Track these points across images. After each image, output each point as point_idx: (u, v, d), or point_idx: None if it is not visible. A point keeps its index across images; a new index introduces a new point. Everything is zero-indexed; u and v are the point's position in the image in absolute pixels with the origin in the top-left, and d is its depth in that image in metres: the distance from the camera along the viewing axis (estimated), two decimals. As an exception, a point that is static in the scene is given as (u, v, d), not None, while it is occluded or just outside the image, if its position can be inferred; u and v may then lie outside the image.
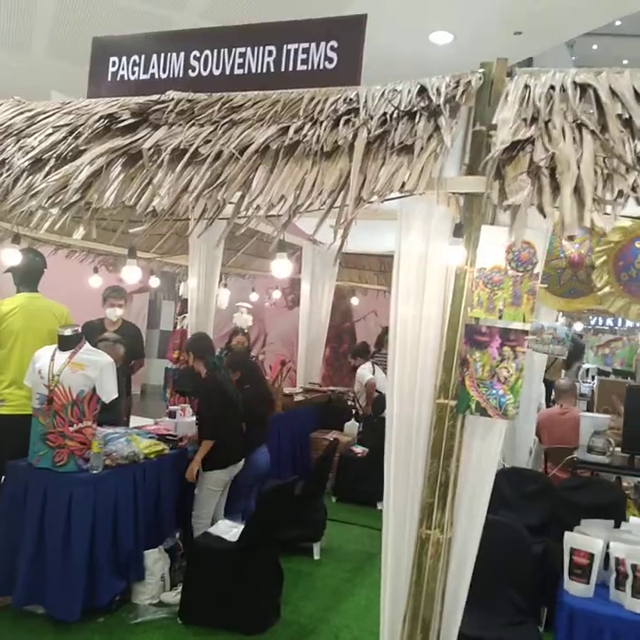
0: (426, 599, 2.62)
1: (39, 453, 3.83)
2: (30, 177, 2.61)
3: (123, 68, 3.22)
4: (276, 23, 2.96)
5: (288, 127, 2.41)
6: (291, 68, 2.90)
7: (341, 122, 2.35)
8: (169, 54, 3.12)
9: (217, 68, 3.03)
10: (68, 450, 3.82)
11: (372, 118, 2.31)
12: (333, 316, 15.31)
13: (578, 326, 7.50)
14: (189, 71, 3.08)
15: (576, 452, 4.96)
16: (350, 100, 2.51)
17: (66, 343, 3.91)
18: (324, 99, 2.58)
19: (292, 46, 2.90)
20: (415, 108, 2.31)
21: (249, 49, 2.98)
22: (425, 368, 2.66)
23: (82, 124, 2.77)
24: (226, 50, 3.02)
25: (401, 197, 2.15)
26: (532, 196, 1.92)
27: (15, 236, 3.52)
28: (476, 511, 2.61)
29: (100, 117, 2.65)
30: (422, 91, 2.42)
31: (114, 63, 3.24)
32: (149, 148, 2.46)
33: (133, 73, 3.20)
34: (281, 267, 2.95)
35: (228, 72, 3.01)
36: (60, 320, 4.41)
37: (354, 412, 7.84)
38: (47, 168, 2.61)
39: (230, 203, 2.29)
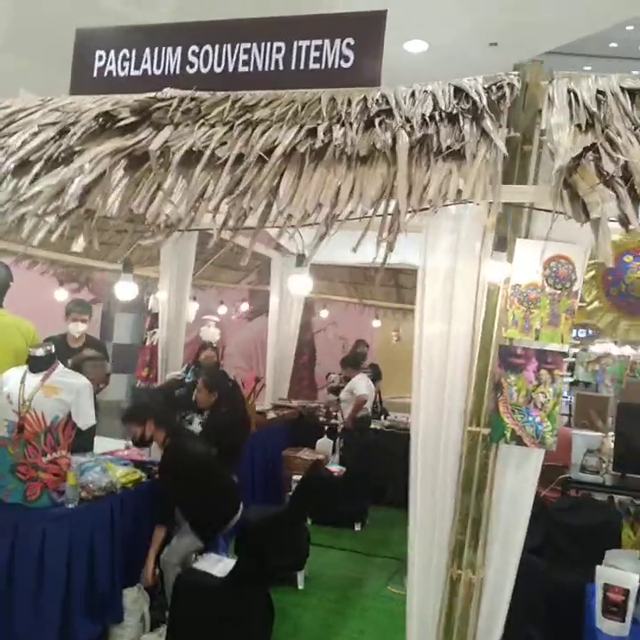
0: (457, 645, 2.40)
1: (8, 487, 3.45)
2: (16, 180, 2.30)
3: (111, 63, 2.94)
4: (285, 18, 2.73)
5: (314, 129, 2.19)
6: (302, 67, 2.68)
7: (375, 124, 2.13)
8: (164, 49, 2.85)
9: (219, 64, 2.78)
10: (41, 483, 3.45)
11: (408, 121, 2.10)
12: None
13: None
14: (187, 67, 2.82)
15: (568, 471, 4.85)
16: (378, 100, 2.30)
17: (37, 364, 3.56)
18: (347, 99, 2.37)
19: (304, 43, 2.68)
20: (455, 111, 2.11)
21: (254, 45, 2.74)
22: (453, 392, 2.47)
23: (72, 123, 2.47)
24: (229, 45, 2.77)
25: (449, 205, 1.94)
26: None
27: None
28: (511, 549, 2.42)
29: (97, 115, 2.36)
30: (458, 92, 2.23)
31: (100, 57, 2.95)
32: (157, 150, 2.18)
33: (123, 68, 2.92)
34: (298, 283, 2.71)
35: (231, 69, 2.76)
36: (28, 338, 4.04)
37: (326, 428, 7.59)
38: (34, 171, 2.31)
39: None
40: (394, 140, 2.02)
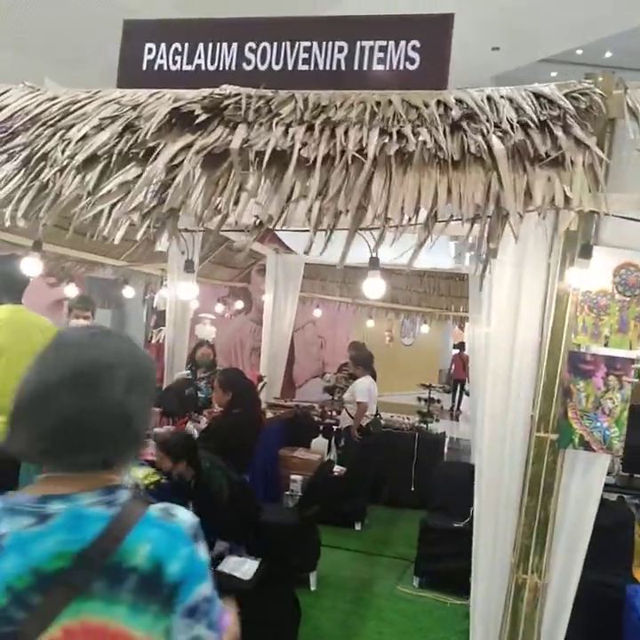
0: (523, 650, 2.41)
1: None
2: (84, 175, 2.22)
3: (161, 57, 2.86)
4: (347, 17, 2.70)
5: (399, 131, 2.16)
6: (365, 67, 2.64)
7: (463, 128, 2.12)
8: (219, 44, 2.79)
9: (277, 62, 2.73)
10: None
11: (497, 126, 2.09)
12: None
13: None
14: (244, 64, 2.76)
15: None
16: (458, 104, 2.28)
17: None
18: (422, 102, 2.34)
19: (367, 43, 2.65)
20: (543, 118, 2.11)
21: (315, 43, 2.69)
22: (519, 398, 2.48)
23: (136, 118, 2.40)
24: (288, 43, 2.72)
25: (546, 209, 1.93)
26: None
27: (36, 243, 3.05)
28: (575, 554, 2.44)
29: (172, 110, 2.29)
30: (539, 99, 2.23)
31: (150, 50, 2.87)
32: (238, 149, 2.13)
33: (174, 62, 2.84)
34: (373, 286, 2.67)
35: (290, 67, 2.71)
36: (47, 337, 3.91)
37: (321, 427, 7.57)
38: (100, 166, 2.23)
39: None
40: (487, 144, 2.01)
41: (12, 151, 2.40)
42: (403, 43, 2.61)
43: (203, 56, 2.81)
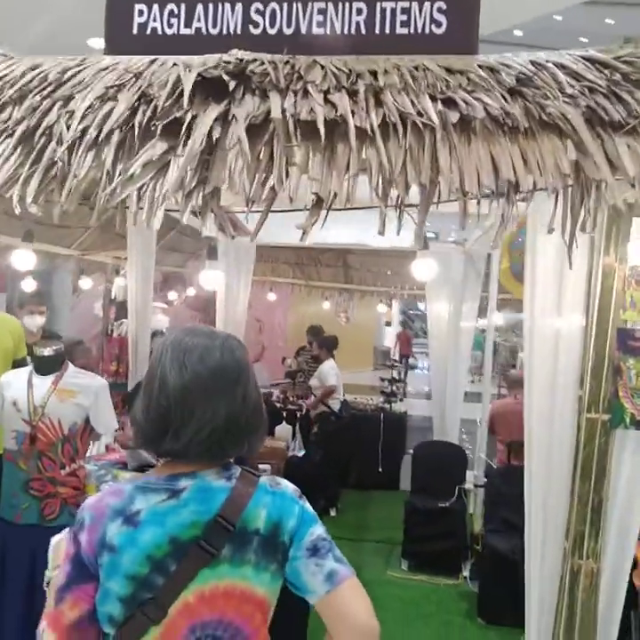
0: (581, 637, 2.34)
1: (21, 506, 3.03)
2: (96, 152, 1.94)
3: (154, 20, 2.56)
4: (364, -24, 2.48)
5: (450, 98, 1.98)
6: (387, 31, 2.44)
7: (523, 94, 1.96)
8: (221, 5, 2.51)
9: (288, 25, 2.49)
10: (60, 498, 3.06)
11: (561, 91, 1.95)
12: (208, 310, 14.63)
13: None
14: (250, 27, 2.50)
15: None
16: (504, 66, 2.12)
17: (46, 365, 3.13)
18: (465, 67, 2.17)
19: (388, 5, 2.44)
20: (605, 83, 1.98)
21: (331, 4, 2.47)
22: (566, 378, 2.38)
23: (149, 86, 2.12)
24: (299, 4, 2.48)
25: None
26: None
27: (27, 233, 2.68)
28: (627, 538, 2.36)
29: (197, 78, 2.02)
30: (594, 63, 2.10)
31: (140, 12, 2.56)
32: (280, 119, 1.90)
33: (170, 26, 2.55)
34: (423, 267, 2.49)
35: (303, 30, 2.48)
36: (15, 337, 3.56)
37: (284, 414, 7.38)
38: (116, 140, 1.95)
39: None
40: (557, 110, 1.87)
41: (5, 126, 2.08)
42: (427, 4, 2.42)
43: (203, 18, 2.53)
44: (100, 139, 1.95)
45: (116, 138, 1.97)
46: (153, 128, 1.95)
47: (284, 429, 7.30)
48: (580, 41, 15.43)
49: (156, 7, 2.55)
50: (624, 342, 2.32)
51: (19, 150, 2.02)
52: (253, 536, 1.31)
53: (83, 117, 2.02)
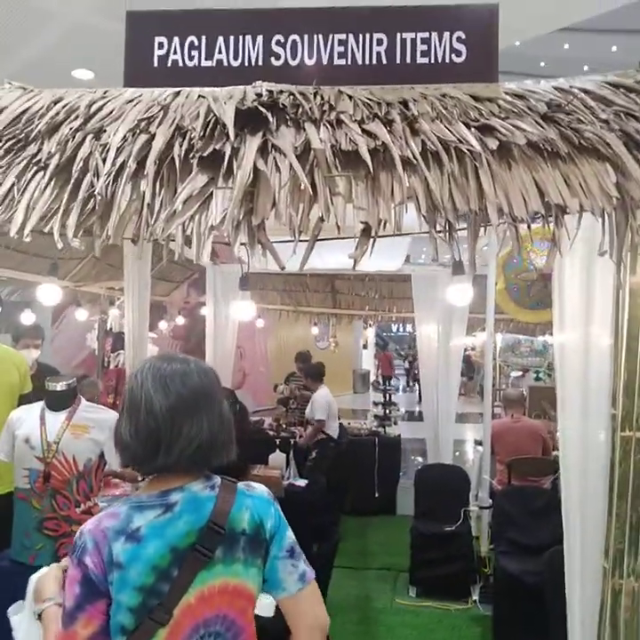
0: (625, 658, 2.33)
1: (35, 547, 2.93)
2: (134, 184, 1.93)
3: (175, 52, 2.57)
4: (383, 8, 2.53)
5: (486, 125, 2.01)
6: (408, 61, 2.49)
7: (556, 120, 2.00)
8: (241, 37, 2.54)
9: (310, 56, 2.51)
10: (76, 537, 2.97)
11: (595, 116, 1.99)
12: (189, 339, 14.48)
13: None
14: (272, 59, 2.52)
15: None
16: (531, 93, 2.17)
17: (59, 401, 3.05)
18: (491, 94, 2.21)
19: (408, 35, 2.49)
20: (634, 107, 2.03)
21: (351, 36, 2.51)
22: (599, 398, 2.39)
23: (182, 118, 2.11)
24: (320, 36, 2.51)
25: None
26: None
27: (53, 267, 2.63)
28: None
29: (237, 111, 2.02)
30: (618, 88, 2.16)
31: (161, 45, 2.57)
32: (323, 150, 1.91)
33: (191, 58, 2.56)
34: (459, 293, 2.50)
35: (325, 62, 2.51)
36: (21, 371, 3.48)
37: (278, 441, 7.30)
38: (150, 173, 1.94)
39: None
40: (594, 134, 1.91)
41: (36, 159, 2.05)
42: (447, 34, 2.48)
43: (224, 50, 2.55)
44: (138, 172, 1.94)
45: (153, 170, 1.95)
46: (191, 160, 1.95)
47: (278, 457, 7.22)
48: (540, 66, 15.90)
49: (176, 40, 2.57)
50: (654, 360, 2.35)
51: (53, 183, 1.99)
52: (240, 536, 1.46)
53: (118, 150, 2.01)
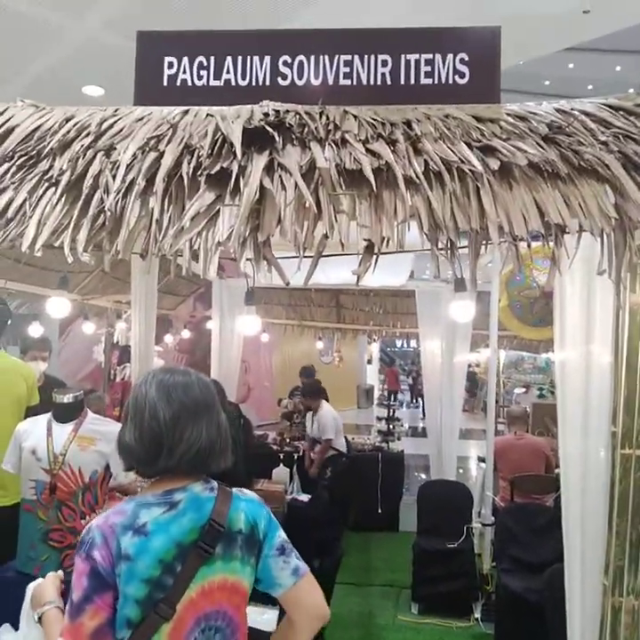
0: (625, 677, 2.33)
1: (40, 559, 2.95)
2: (143, 201, 1.97)
3: (184, 72, 2.63)
4: (388, 30, 2.58)
5: (488, 146, 2.06)
6: (412, 82, 2.54)
7: (556, 141, 2.05)
8: (249, 58, 2.60)
9: (316, 77, 2.57)
10: (81, 549, 2.99)
11: (594, 138, 2.03)
12: (194, 352, 14.51)
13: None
14: (279, 79, 2.58)
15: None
16: (532, 115, 2.21)
17: (66, 413, 3.09)
18: (494, 115, 2.26)
19: (412, 57, 2.55)
20: (633, 130, 2.07)
21: (356, 57, 2.57)
22: (599, 416, 2.41)
23: (190, 137, 2.17)
24: (326, 57, 2.57)
25: None
26: None
27: (62, 281, 2.68)
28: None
29: (245, 130, 2.07)
30: (617, 110, 2.20)
31: (171, 65, 2.63)
32: (327, 169, 1.95)
33: (200, 77, 2.62)
34: (461, 309, 2.53)
35: (331, 82, 2.57)
36: (29, 383, 3.52)
37: (281, 456, 7.31)
38: (159, 190, 1.98)
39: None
40: (594, 156, 1.95)
41: (47, 176, 2.10)
42: (450, 56, 2.53)
43: (232, 70, 2.61)
44: (147, 189, 1.98)
45: (162, 188, 2.00)
46: (199, 178, 1.99)
47: (281, 472, 7.22)
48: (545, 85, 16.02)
49: (185, 60, 2.63)
50: (654, 378, 2.37)
51: (64, 199, 2.04)
52: (237, 535, 1.57)
53: (128, 167, 2.05)
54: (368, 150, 2.06)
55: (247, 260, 1.82)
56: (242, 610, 1.60)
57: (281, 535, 1.64)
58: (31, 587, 1.81)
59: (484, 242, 1.87)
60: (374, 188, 1.92)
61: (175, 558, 1.47)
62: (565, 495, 2.46)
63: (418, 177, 1.92)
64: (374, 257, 1.83)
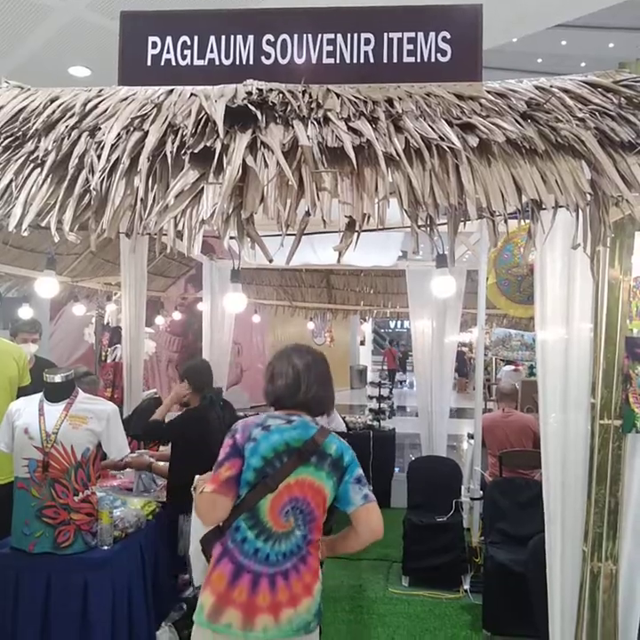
0: (603, 638, 2.41)
1: (35, 535, 3.01)
2: (127, 180, 2.00)
3: (168, 51, 2.64)
4: (370, 8, 2.60)
5: (468, 123, 2.09)
6: (394, 60, 2.56)
7: (536, 118, 2.08)
8: (233, 37, 2.61)
9: (299, 55, 2.59)
10: (74, 525, 3.05)
11: (572, 114, 2.06)
12: (187, 335, 14.53)
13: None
14: (262, 58, 2.60)
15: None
16: (512, 92, 2.24)
17: (57, 392, 3.13)
18: (474, 93, 2.29)
19: (395, 35, 2.56)
20: (613, 106, 2.11)
21: (339, 35, 2.58)
22: (579, 387, 2.47)
23: (174, 116, 2.19)
24: (309, 35, 2.58)
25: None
26: None
27: (50, 261, 2.70)
28: (642, 537, 2.45)
29: (228, 110, 2.09)
30: (596, 87, 2.23)
31: (154, 44, 2.64)
32: (310, 146, 1.98)
33: (184, 57, 2.63)
34: (443, 285, 2.57)
35: (314, 61, 2.58)
36: (20, 364, 3.55)
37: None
38: (146, 169, 2.01)
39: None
40: (570, 133, 1.98)
41: (33, 157, 2.12)
42: (432, 34, 2.55)
43: (215, 50, 2.62)
44: (131, 168, 2.01)
45: (146, 167, 2.02)
46: (183, 157, 2.02)
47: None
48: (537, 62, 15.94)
49: (169, 39, 2.63)
50: (632, 350, 2.43)
51: (49, 180, 2.06)
52: (328, 456, 2.22)
53: (113, 147, 2.08)
54: (350, 128, 2.08)
55: (231, 237, 1.85)
56: (320, 508, 2.22)
57: (359, 471, 2.26)
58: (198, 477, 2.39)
59: (462, 218, 1.91)
60: (355, 165, 1.95)
61: (284, 452, 2.18)
62: (546, 466, 2.52)
63: (398, 154, 1.95)
64: (356, 234, 1.86)
